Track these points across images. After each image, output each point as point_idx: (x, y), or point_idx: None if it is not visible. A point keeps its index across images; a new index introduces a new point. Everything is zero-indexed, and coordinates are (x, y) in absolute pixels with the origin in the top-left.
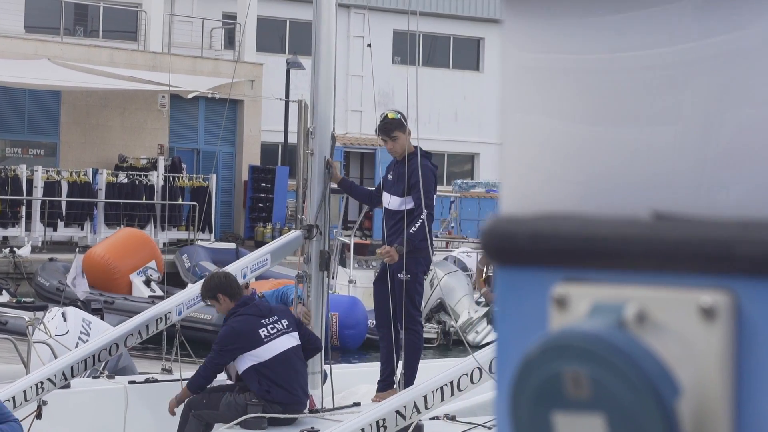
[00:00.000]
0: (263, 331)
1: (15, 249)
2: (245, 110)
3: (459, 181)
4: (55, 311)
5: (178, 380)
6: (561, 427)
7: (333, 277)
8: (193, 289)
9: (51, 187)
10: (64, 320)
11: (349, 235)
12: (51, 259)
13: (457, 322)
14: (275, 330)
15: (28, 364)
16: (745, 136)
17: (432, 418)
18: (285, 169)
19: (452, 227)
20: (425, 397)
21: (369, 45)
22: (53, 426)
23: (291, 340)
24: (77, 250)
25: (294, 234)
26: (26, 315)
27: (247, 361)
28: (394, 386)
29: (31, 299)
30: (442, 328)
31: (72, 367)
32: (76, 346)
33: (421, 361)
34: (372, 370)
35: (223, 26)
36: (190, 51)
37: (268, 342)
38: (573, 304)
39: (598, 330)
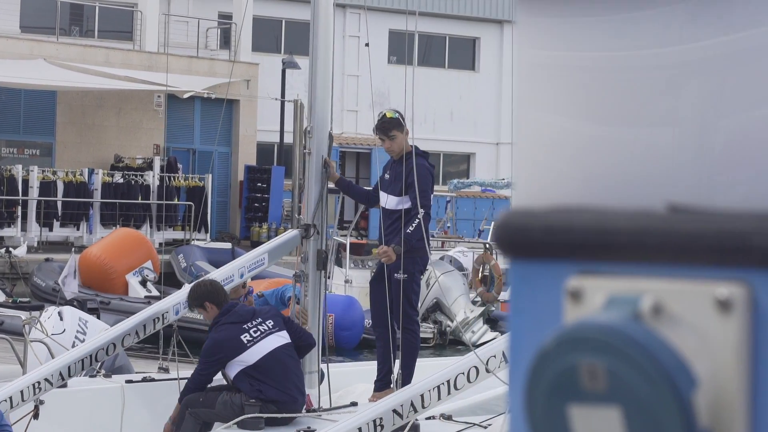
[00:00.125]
0: (245, 336)
1: (11, 249)
2: (241, 110)
3: (455, 180)
4: (51, 310)
5: (175, 379)
6: (576, 420)
7: (329, 277)
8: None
9: (47, 187)
10: (61, 319)
11: (345, 235)
12: (47, 260)
13: (453, 322)
14: (258, 332)
15: (25, 364)
16: (756, 130)
17: (428, 418)
18: (281, 169)
19: (448, 227)
20: (422, 396)
21: (367, 44)
22: (50, 425)
23: (278, 339)
24: (73, 250)
25: (291, 233)
26: (23, 315)
27: (235, 367)
28: (391, 386)
29: (27, 299)
30: (438, 328)
31: (69, 367)
32: (73, 345)
33: (417, 360)
34: (369, 369)
35: (218, 26)
36: (185, 51)
37: (252, 346)
38: (587, 296)
39: (614, 322)
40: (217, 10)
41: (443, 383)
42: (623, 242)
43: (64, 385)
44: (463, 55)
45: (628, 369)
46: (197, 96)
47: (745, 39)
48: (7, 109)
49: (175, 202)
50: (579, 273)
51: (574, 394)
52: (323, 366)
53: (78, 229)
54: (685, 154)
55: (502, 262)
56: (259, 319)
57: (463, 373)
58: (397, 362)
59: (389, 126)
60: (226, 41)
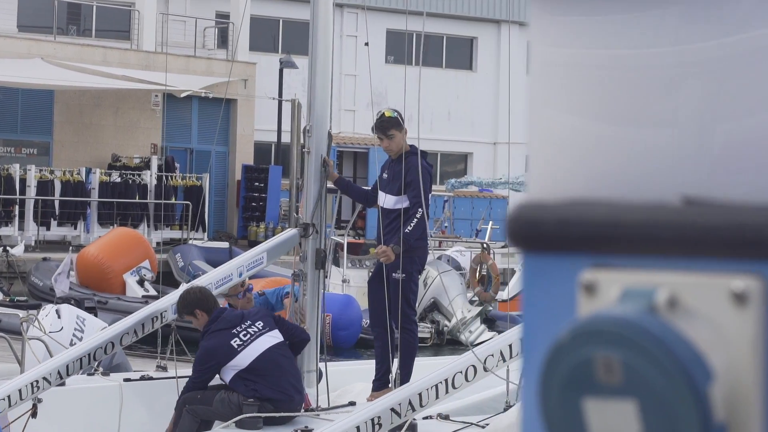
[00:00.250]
0: (235, 341)
1: (8, 248)
2: (238, 109)
3: (452, 180)
4: (49, 308)
5: (173, 378)
6: (592, 414)
7: (327, 276)
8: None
9: (44, 187)
10: (59, 317)
11: (343, 235)
12: (44, 259)
13: (450, 321)
14: (248, 335)
15: (23, 362)
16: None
17: (425, 418)
18: (278, 169)
19: (446, 226)
20: (420, 394)
21: (366, 44)
22: (48, 424)
23: (270, 339)
24: (70, 249)
25: (290, 232)
26: (20, 313)
27: (229, 371)
28: (389, 385)
29: (25, 298)
30: (436, 328)
31: (67, 366)
32: (71, 343)
33: (415, 359)
34: (367, 368)
35: (216, 25)
36: (183, 50)
37: (243, 349)
38: (602, 290)
39: (630, 315)
40: (215, 9)
41: (441, 382)
42: (638, 235)
43: (62, 384)
44: (460, 54)
45: (644, 362)
46: (194, 95)
47: (761, 38)
48: (4, 109)
49: (173, 201)
50: (593, 266)
51: (589, 387)
52: (321, 365)
53: (75, 228)
54: (696, 150)
55: (499, 262)
56: (248, 322)
57: (461, 372)
58: (395, 361)
59: (388, 125)
60: (223, 41)
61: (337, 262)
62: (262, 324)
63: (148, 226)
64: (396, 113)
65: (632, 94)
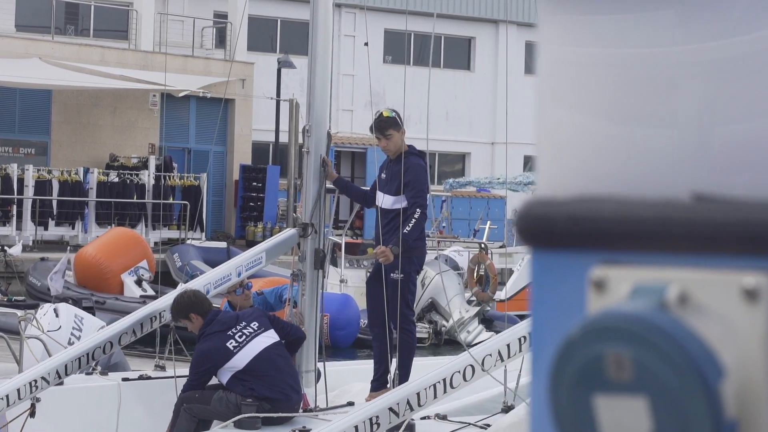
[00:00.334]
0: (231, 342)
1: (6, 248)
2: (236, 109)
3: (450, 180)
4: (47, 307)
5: (172, 377)
6: (602, 410)
7: (325, 277)
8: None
9: (42, 186)
10: (57, 316)
11: (340, 235)
12: (42, 259)
13: (448, 321)
14: (244, 336)
15: (21, 361)
16: None
17: (423, 418)
18: (276, 168)
19: (443, 226)
20: (418, 394)
21: (366, 44)
22: (47, 423)
23: (266, 339)
24: (68, 249)
25: (289, 232)
26: (18, 312)
27: (226, 373)
28: (388, 386)
29: (22, 298)
30: (434, 328)
31: (66, 366)
32: (69, 342)
33: (414, 359)
34: (365, 368)
35: (214, 25)
36: (181, 50)
37: (240, 351)
38: (612, 286)
39: (641, 311)
40: (213, 9)
41: (439, 381)
42: (648, 231)
43: (61, 383)
44: (458, 54)
45: (655, 358)
46: (192, 95)
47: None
48: (2, 108)
49: (171, 201)
50: (603, 263)
51: (599, 384)
52: (320, 365)
53: (73, 228)
54: (705, 148)
55: (497, 262)
56: (244, 323)
57: (459, 372)
58: (394, 361)
59: (385, 125)
60: (221, 40)
61: (334, 262)
62: (257, 324)
63: (146, 226)
64: (394, 113)
65: (641, 93)
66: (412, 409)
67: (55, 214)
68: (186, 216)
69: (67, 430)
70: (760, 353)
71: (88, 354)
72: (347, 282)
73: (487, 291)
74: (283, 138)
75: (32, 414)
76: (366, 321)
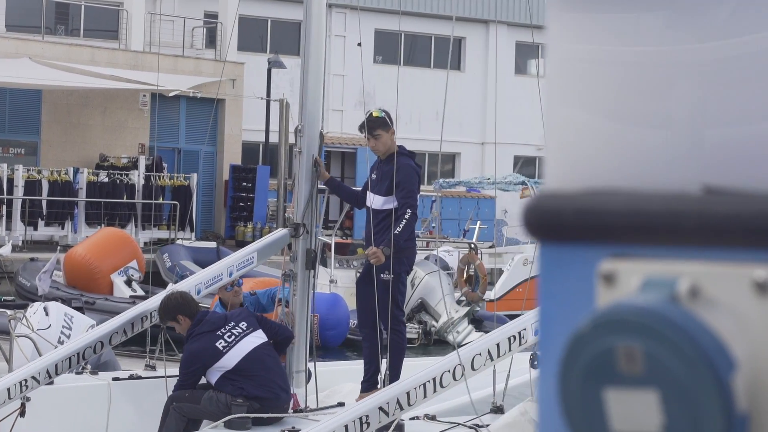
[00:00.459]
0: (220, 343)
1: None
2: (226, 109)
3: (440, 180)
4: (37, 306)
5: (162, 377)
6: (613, 404)
7: (315, 277)
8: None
9: (32, 186)
10: (47, 315)
11: (330, 235)
12: (32, 259)
13: (438, 322)
14: (233, 336)
15: (11, 360)
16: None
17: (412, 418)
18: (266, 169)
19: (433, 227)
20: (408, 393)
21: (359, 44)
22: (37, 423)
23: (254, 339)
24: (58, 249)
25: (280, 232)
26: (8, 311)
27: (215, 373)
28: (378, 386)
29: (12, 298)
30: (423, 328)
31: (56, 365)
32: (59, 341)
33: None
34: (355, 368)
35: (204, 25)
36: (171, 50)
37: (228, 351)
38: (621, 280)
39: (652, 304)
40: (203, 9)
41: (429, 381)
42: (658, 225)
43: (51, 383)
44: (448, 54)
45: (667, 351)
46: (182, 95)
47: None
48: None
49: (161, 201)
50: (612, 256)
51: (610, 377)
52: (310, 366)
53: (63, 228)
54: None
55: (486, 262)
56: (232, 323)
57: (449, 371)
58: (384, 361)
59: (374, 125)
60: (211, 40)
61: (324, 263)
62: (245, 325)
63: (136, 226)
64: (384, 113)
65: (644, 91)
66: (402, 409)
67: (44, 214)
68: (176, 216)
69: (57, 430)
70: None
71: (78, 353)
72: (337, 282)
73: (477, 291)
74: (273, 138)
75: (22, 413)
76: (355, 321)
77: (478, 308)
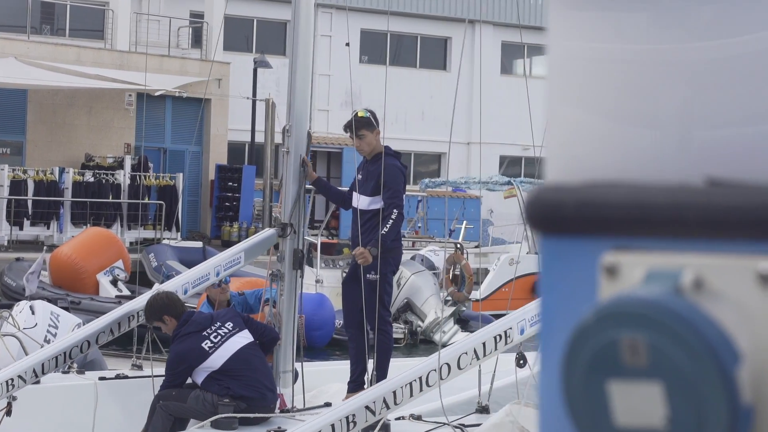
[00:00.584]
0: (206, 343)
1: None
2: (212, 109)
3: (426, 180)
4: (23, 305)
5: (149, 377)
6: (616, 397)
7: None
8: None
9: (17, 186)
10: (33, 313)
11: (316, 235)
12: (18, 259)
13: (424, 322)
14: (219, 337)
15: None
16: None
17: (398, 418)
18: (252, 169)
19: (419, 226)
20: (394, 392)
21: (347, 44)
22: (23, 422)
23: (240, 339)
24: (44, 249)
25: (268, 232)
26: None
27: (201, 374)
28: (365, 386)
29: None
30: (409, 328)
31: (43, 364)
32: (45, 339)
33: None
34: (342, 368)
35: (190, 25)
36: (157, 50)
37: (215, 351)
38: (624, 272)
39: (656, 296)
40: (189, 9)
41: (415, 380)
42: (661, 217)
43: (38, 382)
44: (434, 54)
45: (671, 344)
46: (168, 95)
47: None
48: None
49: (146, 201)
50: (614, 249)
51: (614, 369)
52: (297, 366)
53: (48, 228)
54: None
55: (472, 262)
56: (218, 324)
57: (435, 370)
58: (370, 361)
59: (359, 125)
60: (197, 40)
61: (310, 263)
62: (232, 325)
63: (122, 225)
64: (369, 113)
65: (648, 88)
66: (388, 408)
67: (30, 214)
68: (161, 216)
69: (43, 429)
70: None
71: (65, 353)
72: (323, 282)
73: (463, 291)
74: (259, 138)
75: (8, 413)
76: (341, 321)
77: (464, 308)
